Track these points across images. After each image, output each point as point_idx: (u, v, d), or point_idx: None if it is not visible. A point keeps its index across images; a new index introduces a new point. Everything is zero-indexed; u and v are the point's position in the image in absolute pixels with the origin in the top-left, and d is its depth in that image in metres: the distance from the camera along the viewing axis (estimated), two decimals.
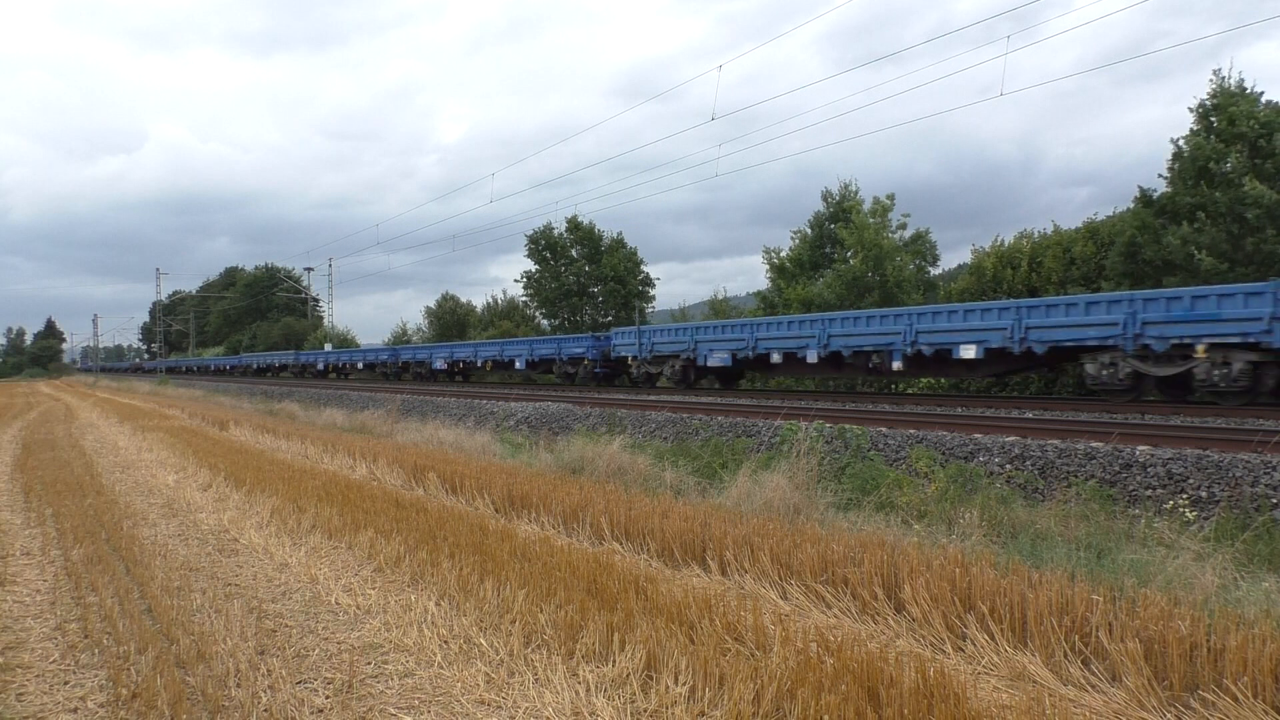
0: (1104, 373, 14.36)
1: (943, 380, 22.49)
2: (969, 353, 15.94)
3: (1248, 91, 18.95)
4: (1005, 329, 15.49)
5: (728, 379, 24.04)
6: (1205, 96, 19.32)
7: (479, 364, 33.70)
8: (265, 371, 60.00)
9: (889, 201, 28.13)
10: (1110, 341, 14.17)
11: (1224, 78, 19.29)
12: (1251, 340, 12.52)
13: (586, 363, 27.64)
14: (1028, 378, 20.97)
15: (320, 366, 50.69)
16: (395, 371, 41.12)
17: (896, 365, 17.42)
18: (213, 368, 72.03)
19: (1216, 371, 12.91)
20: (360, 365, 45.74)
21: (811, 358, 19.25)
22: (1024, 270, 23.05)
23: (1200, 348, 13.00)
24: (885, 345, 17.70)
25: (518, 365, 31.02)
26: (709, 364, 22.23)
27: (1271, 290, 12.35)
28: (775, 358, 20.38)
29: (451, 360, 35.77)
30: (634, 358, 24.98)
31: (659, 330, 25.13)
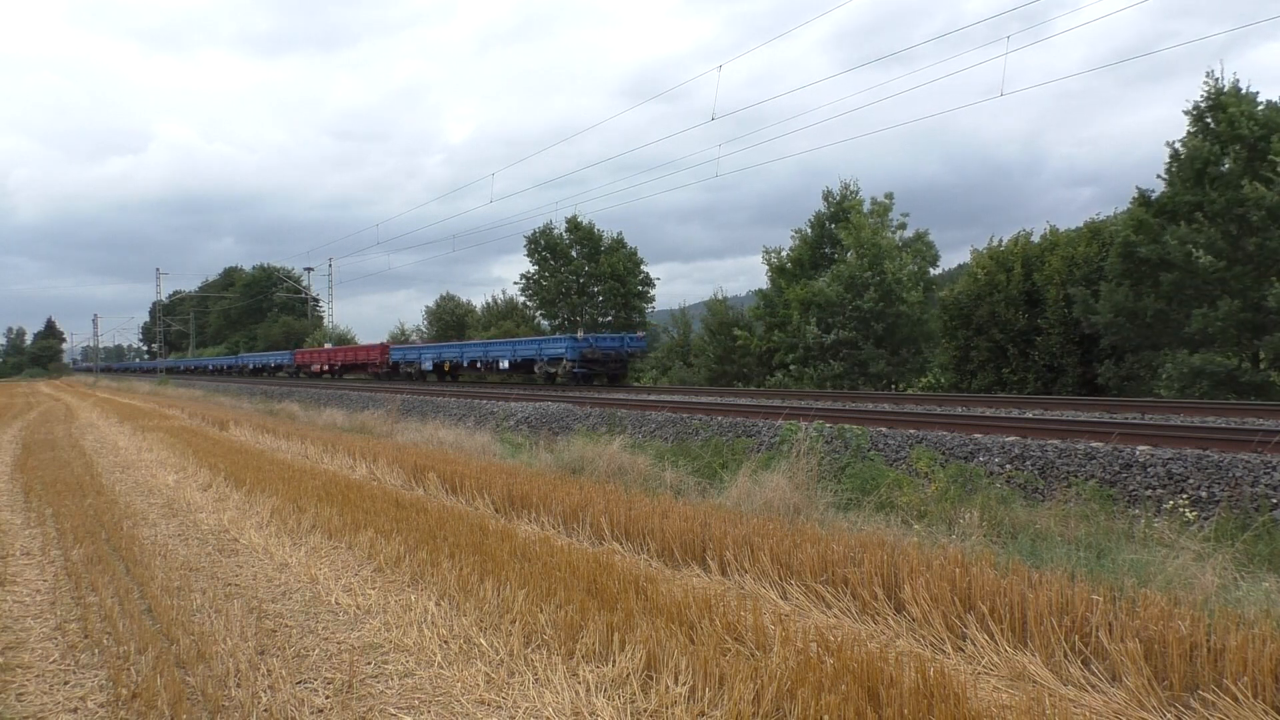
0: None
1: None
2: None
3: (1245, 92, 18.90)
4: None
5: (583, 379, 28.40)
6: (1199, 99, 19.31)
7: (465, 364, 34.33)
8: (261, 371, 60.22)
9: (888, 201, 28.19)
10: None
11: (1218, 79, 19.23)
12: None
13: (565, 363, 28.02)
14: (1026, 378, 22.41)
15: (314, 367, 50.96)
16: (386, 372, 41.35)
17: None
18: (210, 368, 72.10)
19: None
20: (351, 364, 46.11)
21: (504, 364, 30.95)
22: (1018, 273, 23.22)
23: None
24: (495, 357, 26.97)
25: (502, 365, 31.93)
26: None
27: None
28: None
29: (439, 360, 36.26)
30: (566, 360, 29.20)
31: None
